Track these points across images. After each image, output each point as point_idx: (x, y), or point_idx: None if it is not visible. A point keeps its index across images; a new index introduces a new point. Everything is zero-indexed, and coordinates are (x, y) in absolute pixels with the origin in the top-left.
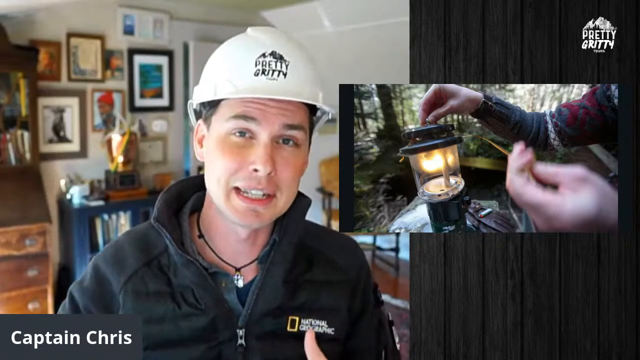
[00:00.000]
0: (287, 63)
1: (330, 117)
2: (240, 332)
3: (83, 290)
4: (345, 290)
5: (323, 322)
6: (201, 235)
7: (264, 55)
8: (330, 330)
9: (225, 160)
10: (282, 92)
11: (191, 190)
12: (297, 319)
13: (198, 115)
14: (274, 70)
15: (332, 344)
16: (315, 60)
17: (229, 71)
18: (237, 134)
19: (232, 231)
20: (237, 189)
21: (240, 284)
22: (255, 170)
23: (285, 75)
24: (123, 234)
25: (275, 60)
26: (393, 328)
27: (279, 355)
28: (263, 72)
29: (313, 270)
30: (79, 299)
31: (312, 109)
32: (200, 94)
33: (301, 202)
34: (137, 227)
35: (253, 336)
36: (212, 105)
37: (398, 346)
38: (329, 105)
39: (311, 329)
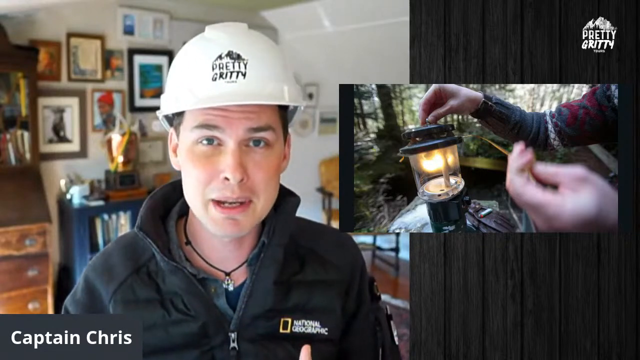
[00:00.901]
0: (245, 62)
1: (302, 109)
2: (233, 336)
3: (76, 303)
4: (338, 290)
5: (316, 322)
6: (188, 242)
7: (220, 57)
8: (323, 331)
9: (196, 170)
10: (242, 94)
11: (178, 193)
12: (289, 320)
13: (171, 121)
14: (232, 72)
15: (327, 344)
16: (282, 53)
17: (187, 79)
18: (205, 142)
19: (217, 237)
20: (213, 200)
21: (231, 288)
22: (226, 179)
23: (244, 75)
24: (112, 242)
25: (233, 60)
26: (392, 322)
27: (272, 358)
28: (221, 76)
29: (305, 270)
30: (73, 312)
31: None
32: (164, 105)
33: (289, 202)
34: (126, 234)
35: (245, 339)
36: (178, 114)
37: (396, 340)
38: (330, 104)
39: (307, 346)
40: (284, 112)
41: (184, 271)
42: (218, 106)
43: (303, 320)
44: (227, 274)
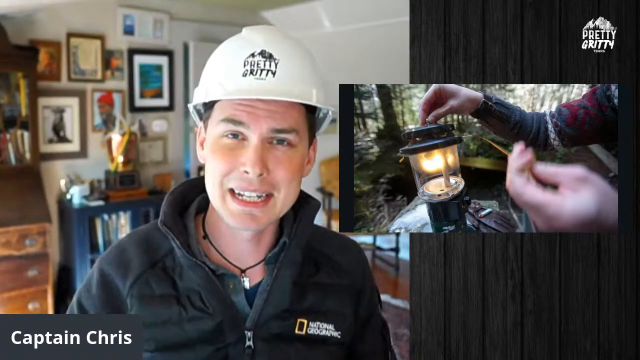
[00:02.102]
0: (276, 61)
1: (330, 115)
2: (248, 334)
3: (93, 298)
4: (350, 294)
5: (330, 325)
6: (206, 236)
7: (253, 55)
8: (337, 334)
9: (217, 162)
10: (270, 91)
11: (196, 191)
12: (305, 321)
13: (202, 116)
14: (262, 70)
15: (339, 347)
16: (315, 59)
17: (219, 73)
18: (230, 136)
19: (236, 232)
20: (232, 191)
21: (247, 285)
22: (246, 172)
23: (274, 74)
24: (125, 236)
25: (265, 59)
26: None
27: (286, 358)
28: (251, 72)
29: (320, 273)
30: (91, 308)
31: (309, 108)
32: (195, 97)
33: (311, 205)
34: (140, 228)
35: (260, 338)
36: (208, 108)
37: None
38: (330, 105)
39: None
40: (311, 115)
41: (204, 267)
42: (245, 102)
43: (318, 323)
44: (243, 271)
